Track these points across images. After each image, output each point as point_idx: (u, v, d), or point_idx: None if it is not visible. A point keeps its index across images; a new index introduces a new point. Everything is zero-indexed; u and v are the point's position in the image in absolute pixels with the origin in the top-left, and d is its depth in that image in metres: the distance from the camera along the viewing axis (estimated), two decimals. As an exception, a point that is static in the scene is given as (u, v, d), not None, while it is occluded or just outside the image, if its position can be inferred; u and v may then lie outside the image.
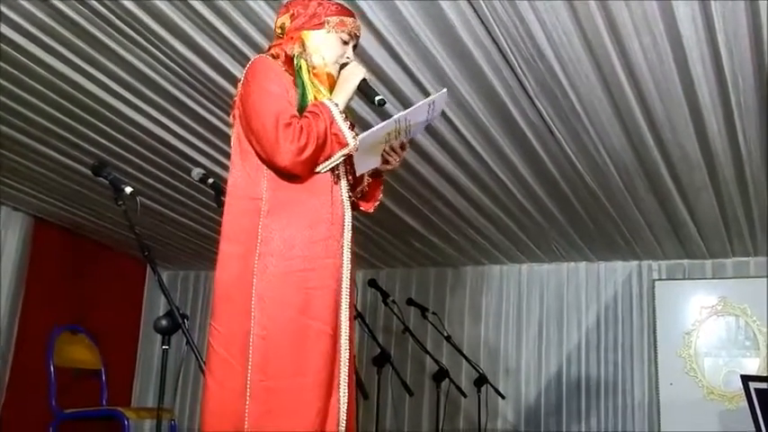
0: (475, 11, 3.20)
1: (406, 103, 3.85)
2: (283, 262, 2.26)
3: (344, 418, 2.33)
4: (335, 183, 2.42)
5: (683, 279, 6.74)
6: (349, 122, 2.38)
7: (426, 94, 3.90)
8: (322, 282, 2.31)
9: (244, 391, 2.19)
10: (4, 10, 3.27)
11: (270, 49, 2.53)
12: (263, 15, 3.31)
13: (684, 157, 4.52)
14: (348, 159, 2.46)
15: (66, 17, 3.34)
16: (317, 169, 2.34)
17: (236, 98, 2.46)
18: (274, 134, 2.25)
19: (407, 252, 6.92)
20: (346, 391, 2.34)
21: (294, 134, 2.25)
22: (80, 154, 4.81)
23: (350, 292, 2.42)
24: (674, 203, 5.31)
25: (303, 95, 2.39)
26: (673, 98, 3.81)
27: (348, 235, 2.42)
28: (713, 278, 6.64)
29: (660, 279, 6.77)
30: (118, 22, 3.39)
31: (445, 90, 2.56)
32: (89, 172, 3.37)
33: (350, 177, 2.53)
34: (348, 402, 2.36)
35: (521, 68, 3.65)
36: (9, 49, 3.59)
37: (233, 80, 3.89)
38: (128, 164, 4.95)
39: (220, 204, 3.50)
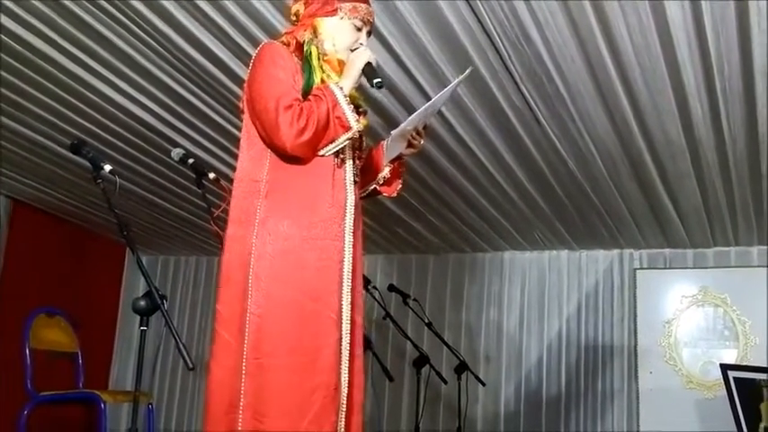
0: (460, -10, 3.17)
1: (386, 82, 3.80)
2: (281, 242, 2.28)
3: (344, 401, 2.32)
4: (339, 166, 2.42)
5: (665, 268, 6.75)
6: (353, 106, 2.39)
7: (408, 73, 3.86)
8: (321, 263, 2.31)
9: (240, 369, 2.22)
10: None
11: (282, 35, 2.53)
12: (245, -8, 3.26)
13: (668, 144, 4.51)
14: (354, 143, 2.48)
15: (45, -9, 3.28)
16: (321, 152, 2.36)
17: (245, 84, 2.47)
18: (275, 116, 2.27)
19: (389, 238, 6.89)
20: (347, 374, 2.34)
21: (294, 117, 2.26)
22: (58, 134, 4.73)
23: (354, 276, 2.42)
24: (657, 191, 5.31)
25: (309, 80, 2.40)
26: (658, 82, 3.79)
27: (350, 218, 2.42)
28: (694, 268, 6.66)
29: (641, 268, 6.78)
30: (97, -3, 3.33)
31: (471, 68, 2.65)
32: (68, 152, 3.31)
33: (357, 162, 2.54)
34: (352, 386, 2.36)
35: (506, 51, 3.61)
36: (-16, 24, 3.51)
37: (215, 60, 3.84)
38: (107, 145, 4.87)
39: (201, 186, 3.45)
